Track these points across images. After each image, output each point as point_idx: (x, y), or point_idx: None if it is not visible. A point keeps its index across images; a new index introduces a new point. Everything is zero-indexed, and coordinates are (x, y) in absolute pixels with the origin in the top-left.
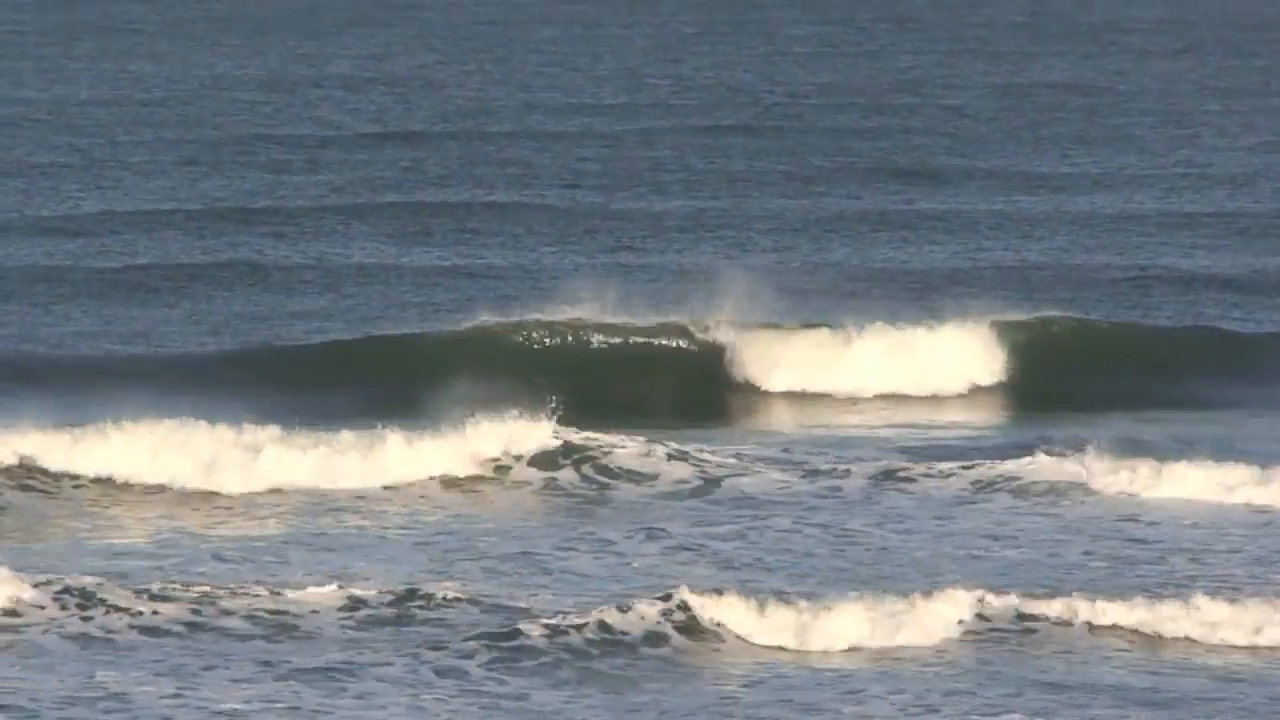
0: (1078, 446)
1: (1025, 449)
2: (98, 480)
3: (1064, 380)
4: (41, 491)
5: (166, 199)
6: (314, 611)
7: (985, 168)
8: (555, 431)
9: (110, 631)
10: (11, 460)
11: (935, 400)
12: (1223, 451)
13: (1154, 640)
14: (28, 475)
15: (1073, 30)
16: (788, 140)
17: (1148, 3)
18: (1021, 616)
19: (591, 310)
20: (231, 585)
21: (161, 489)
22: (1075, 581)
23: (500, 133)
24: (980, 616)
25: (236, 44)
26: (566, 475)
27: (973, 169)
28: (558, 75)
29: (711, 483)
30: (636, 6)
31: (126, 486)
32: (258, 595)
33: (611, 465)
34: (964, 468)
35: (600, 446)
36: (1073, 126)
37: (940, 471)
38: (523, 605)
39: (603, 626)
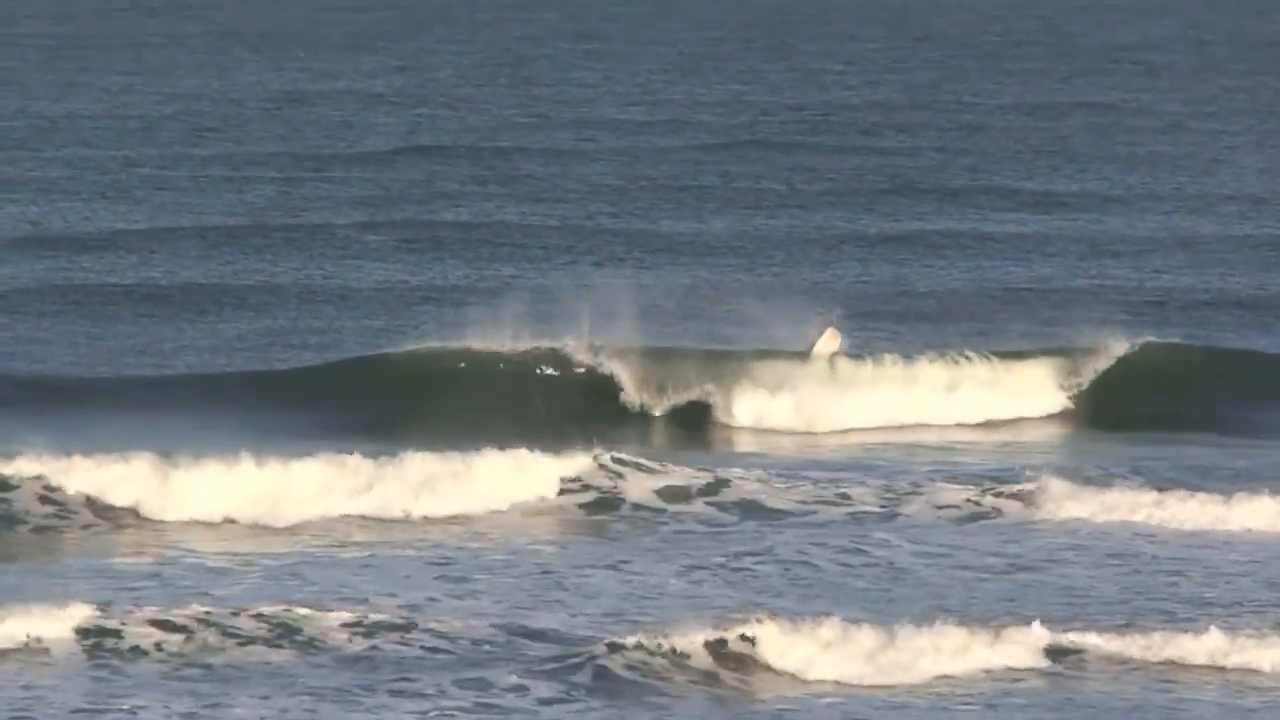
0: (1104, 472)
1: (1039, 472)
2: (116, 506)
3: (1095, 405)
4: (60, 514)
5: (182, 214)
6: (330, 629)
7: (999, 186)
8: (594, 456)
9: (126, 649)
10: (33, 483)
11: (960, 428)
12: (1248, 477)
13: (1169, 665)
14: (48, 497)
15: (1091, 49)
16: (800, 157)
17: (1164, 22)
18: (1039, 644)
19: (628, 332)
20: (247, 605)
21: (184, 514)
22: (1090, 606)
23: (513, 148)
24: (992, 643)
25: (249, 59)
26: (604, 501)
27: (988, 187)
28: (572, 91)
29: (736, 505)
30: (651, 25)
31: (135, 511)
32: (274, 614)
33: (644, 491)
34: (976, 491)
35: (635, 473)
36: (1089, 145)
37: (954, 495)
38: (552, 627)
39: (619, 649)
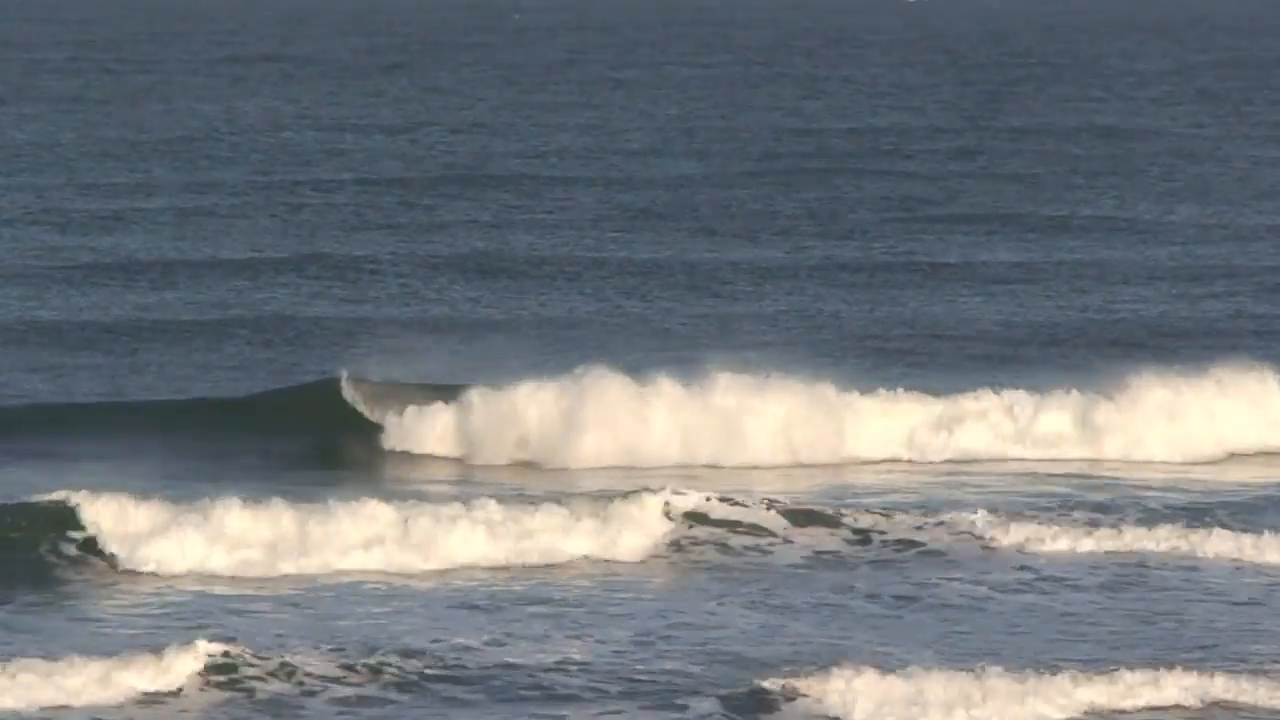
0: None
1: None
2: (136, 547)
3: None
4: (85, 555)
5: (200, 241)
6: (373, 669)
7: (1027, 214)
8: (664, 502)
9: (175, 694)
10: (54, 520)
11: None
12: None
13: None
14: (70, 538)
15: (1136, 72)
16: (822, 189)
17: (1214, 48)
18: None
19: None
20: (302, 652)
21: (217, 556)
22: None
23: (532, 175)
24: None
25: (263, 85)
26: (693, 543)
27: (1019, 215)
28: (593, 116)
29: (802, 546)
30: (673, 56)
31: (160, 551)
32: (316, 660)
33: (728, 532)
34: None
35: (719, 515)
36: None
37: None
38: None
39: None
